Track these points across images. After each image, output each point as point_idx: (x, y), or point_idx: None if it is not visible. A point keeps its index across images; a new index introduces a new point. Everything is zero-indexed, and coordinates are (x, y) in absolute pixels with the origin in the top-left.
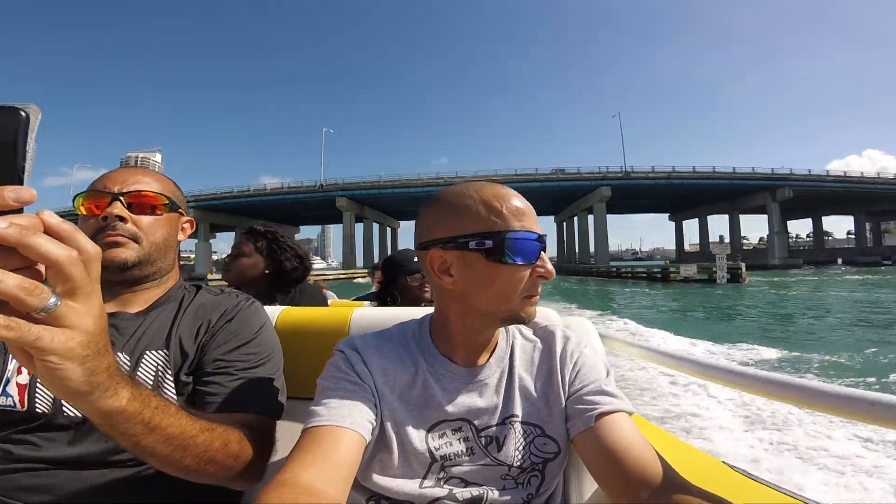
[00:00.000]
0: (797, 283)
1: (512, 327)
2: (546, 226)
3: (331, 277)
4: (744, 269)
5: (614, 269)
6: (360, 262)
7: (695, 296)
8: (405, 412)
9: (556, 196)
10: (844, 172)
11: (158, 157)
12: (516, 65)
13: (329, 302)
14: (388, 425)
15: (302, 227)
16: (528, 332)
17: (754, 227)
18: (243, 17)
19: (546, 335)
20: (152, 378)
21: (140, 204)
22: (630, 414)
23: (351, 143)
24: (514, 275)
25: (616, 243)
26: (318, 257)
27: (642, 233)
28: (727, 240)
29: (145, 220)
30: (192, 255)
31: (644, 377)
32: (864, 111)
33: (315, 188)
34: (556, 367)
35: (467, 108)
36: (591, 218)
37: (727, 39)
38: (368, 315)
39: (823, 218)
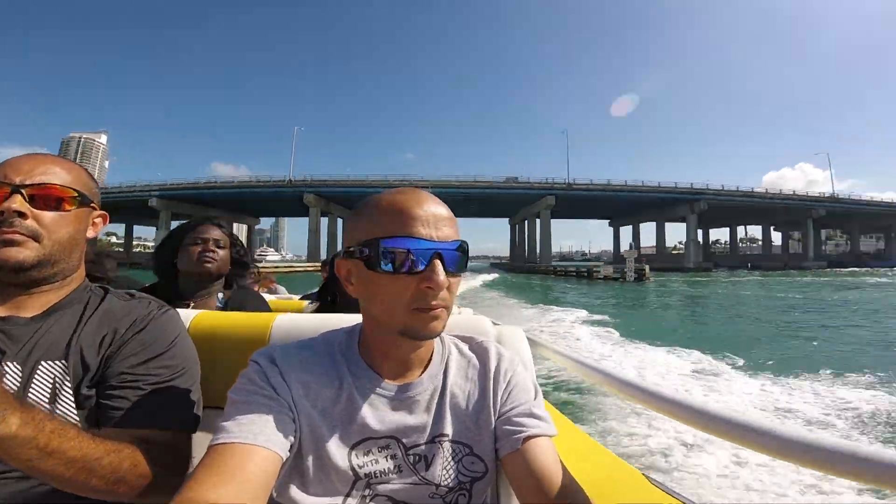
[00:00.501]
0: (688, 281)
1: (448, 341)
2: (502, 227)
3: (296, 269)
4: (647, 270)
5: (552, 268)
6: (324, 255)
7: (609, 289)
8: (327, 428)
9: (511, 201)
10: (752, 188)
11: (104, 139)
12: (478, 76)
13: (276, 297)
14: (308, 442)
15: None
16: (464, 346)
17: (682, 235)
18: (221, 14)
19: (481, 351)
20: (48, 391)
21: (45, 197)
22: (553, 436)
23: (322, 138)
24: (392, 284)
25: (569, 245)
26: (272, 249)
27: (592, 236)
28: (654, 244)
29: (49, 216)
30: (153, 245)
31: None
32: (800, 126)
33: (284, 183)
34: (490, 386)
35: (437, 107)
36: (538, 222)
37: (665, 63)
38: (292, 323)
39: (752, 226)
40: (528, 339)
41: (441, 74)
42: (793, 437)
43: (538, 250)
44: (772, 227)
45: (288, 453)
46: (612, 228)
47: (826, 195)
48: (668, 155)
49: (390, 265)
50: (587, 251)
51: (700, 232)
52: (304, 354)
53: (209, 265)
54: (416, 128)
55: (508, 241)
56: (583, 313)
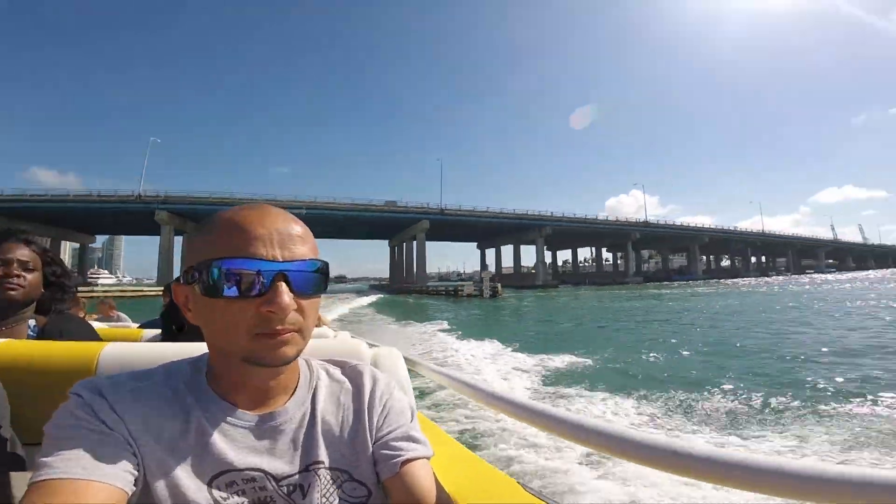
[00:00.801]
0: (534, 296)
1: (317, 366)
2: (381, 249)
3: (146, 293)
4: (500, 287)
5: (426, 288)
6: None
7: (469, 305)
8: (178, 463)
9: (389, 224)
10: (585, 216)
11: None
12: (358, 101)
13: (112, 325)
14: (156, 478)
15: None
16: (335, 371)
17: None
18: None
19: (355, 375)
20: None
21: None
22: (430, 458)
23: (181, 150)
24: (230, 310)
25: (447, 265)
26: (105, 271)
27: (467, 257)
28: (511, 264)
29: None
30: None
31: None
32: (636, 156)
33: (132, 198)
34: (364, 410)
35: (317, 119)
36: (415, 244)
37: (526, 100)
38: (125, 353)
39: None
40: (406, 358)
41: (324, 97)
42: (649, 443)
43: (415, 271)
44: (604, 249)
45: (133, 487)
46: (479, 251)
47: (640, 221)
48: (529, 183)
49: (226, 289)
50: (462, 271)
51: (549, 253)
52: (137, 385)
53: (13, 292)
54: (292, 140)
55: (388, 263)
56: (444, 324)
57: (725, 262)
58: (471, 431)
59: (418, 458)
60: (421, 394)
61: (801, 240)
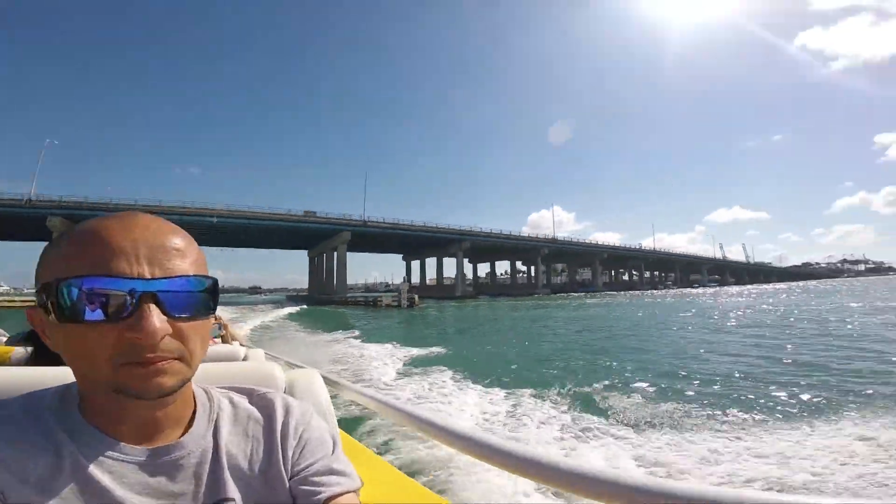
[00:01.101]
0: (452, 306)
1: (218, 396)
2: (301, 259)
3: (28, 301)
4: (417, 298)
5: (347, 299)
6: None
7: (388, 314)
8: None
9: (309, 234)
10: (501, 231)
11: None
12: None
13: None
14: None
15: None
16: (241, 400)
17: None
18: None
19: (265, 404)
20: None
21: None
22: (357, 489)
23: (89, 152)
24: (84, 335)
25: (375, 275)
26: None
27: (395, 268)
28: (434, 276)
29: None
30: None
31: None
32: (557, 174)
33: (21, 203)
34: (277, 443)
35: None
36: (336, 255)
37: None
38: None
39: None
40: (326, 379)
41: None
42: (533, 458)
43: (335, 282)
44: (519, 262)
45: None
46: (404, 262)
47: (549, 238)
48: (460, 198)
49: (83, 312)
50: (391, 282)
51: (471, 266)
52: None
53: None
54: (202, 139)
55: (307, 273)
56: (356, 332)
57: (628, 276)
58: (407, 452)
59: (344, 493)
60: (350, 413)
61: (686, 257)
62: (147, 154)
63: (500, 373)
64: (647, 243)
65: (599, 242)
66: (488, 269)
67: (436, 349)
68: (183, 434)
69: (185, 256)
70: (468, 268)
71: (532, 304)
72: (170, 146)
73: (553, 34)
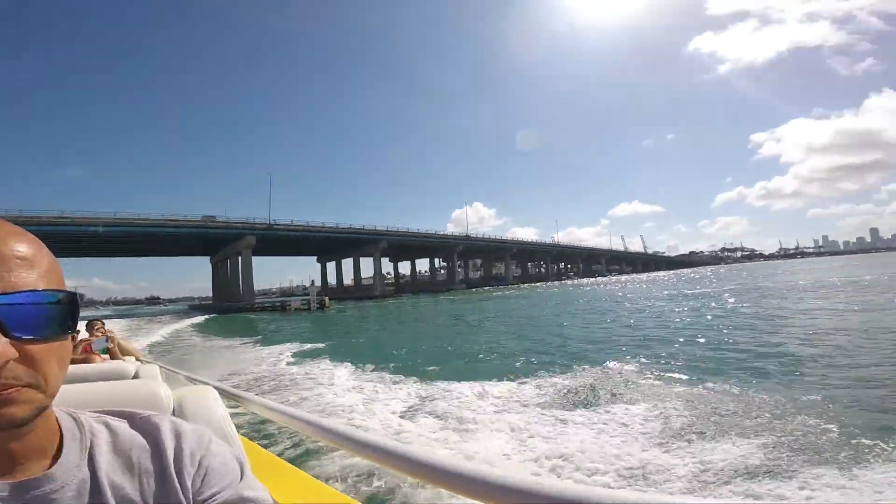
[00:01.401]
0: (360, 306)
1: (89, 422)
2: (205, 266)
3: None
4: (327, 300)
5: (254, 305)
6: None
7: (296, 318)
8: None
9: (209, 240)
10: (418, 230)
11: None
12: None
13: None
14: None
15: None
16: (120, 425)
17: (384, 267)
18: None
19: (149, 429)
20: None
21: None
22: None
23: None
24: None
25: (290, 279)
26: None
27: (314, 271)
28: (352, 276)
29: None
30: None
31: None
32: (475, 171)
33: None
34: (171, 472)
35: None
36: (240, 260)
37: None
38: None
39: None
40: (224, 392)
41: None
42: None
43: (241, 288)
44: (440, 259)
45: None
46: (319, 264)
47: (462, 235)
48: (379, 198)
49: None
50: (308, 285)
51: (392, 265)
52: None
53: None
54: (83, 135)
55: (210, 281)
56: (260, 337)
57: (537, 269)
58: (319, 459)
59: None
60: (257, 425)
61: (587, 249)
62: (15, 157)
63: (369, 356)
64: (560, 237)
65: (515, 238)
66: (417, 268)
67: (323, 344)
68: (51, 466)
69: (33, 267)
70: (389, 267)
71: (445, 299)
72: (49, 148)
73: (462, 38)
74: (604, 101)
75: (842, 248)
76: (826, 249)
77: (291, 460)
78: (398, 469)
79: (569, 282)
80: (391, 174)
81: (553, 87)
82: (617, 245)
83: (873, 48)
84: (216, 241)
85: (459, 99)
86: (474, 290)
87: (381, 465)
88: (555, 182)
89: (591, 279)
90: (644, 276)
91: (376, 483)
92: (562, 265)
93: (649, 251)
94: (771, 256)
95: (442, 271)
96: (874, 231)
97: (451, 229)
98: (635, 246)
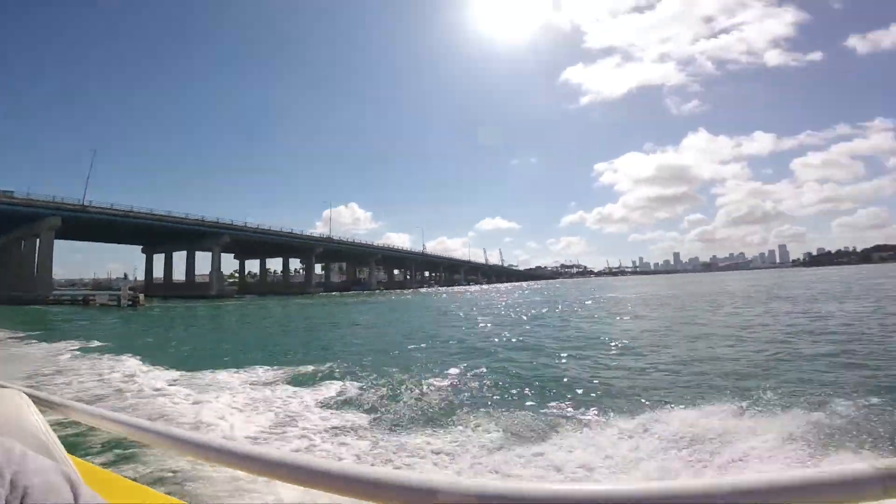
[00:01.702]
0: (197, 307)
1: None
2: None
3: None
4: (142, 297)
5: (49, 297)
6: None
7: (105, 315)
8: None
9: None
10: (270, 227)
11: None
12: None
13: None
14: None
15: None
16: None
17: (227, 265)
18: None
19: None
20: None
21: None
22: None
23: None
24: None
25: (111, 269)
26: None
27: (140, 261)
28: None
29: None
30: None
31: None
32: (356, 171)
33: None
34: None
35: None
36: (37, 243)
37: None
38: None
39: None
40: (39, 400)
41: None
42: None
43: (35, 277)
44: (297, 260)
45: None
46: (144, 255)
47: (324, 237)
48: (239, 190)
49: None
50: (135, 277)
51: (238, 262)
52: None
53: None
54: None
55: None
56: (44, 333)
57: (402, 276)
58: (157, 462)
59: None
60: (90, 430)
61: (448, 259)
62: None
63: (153, 351)
64: (431, 245)
65: (388, 244)
66: (269, 267)
67: (112, 343)
68: None
69: None
70: (234, 264)
71: (295, 303)
72: None
73: (353, 36)
74: (486, 118)
75: (652, 268)
76: (640, 269)
77: (126, 472)
78: (228, 465)
79: (431, 290)
80: (256, 164)
81: (440, 97)
82: (479, 257)
83: (700, 90)
84: (7, 220)
85: (341, 93)
86: (335, 293)
87: (215, 464)
88: (430, 191)
89: (450, 287)
90: (503, 286)
91: (205, 482)
92: (426, 273)
93: (505, 264)
94: (599, 273)
95: (301, 272)
96: (676, 255)
97: (320, 228)
98: (495, 258)
